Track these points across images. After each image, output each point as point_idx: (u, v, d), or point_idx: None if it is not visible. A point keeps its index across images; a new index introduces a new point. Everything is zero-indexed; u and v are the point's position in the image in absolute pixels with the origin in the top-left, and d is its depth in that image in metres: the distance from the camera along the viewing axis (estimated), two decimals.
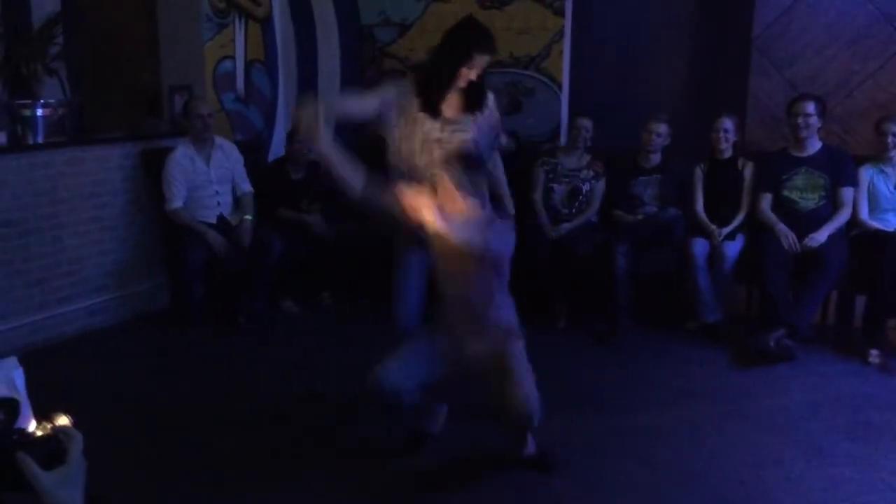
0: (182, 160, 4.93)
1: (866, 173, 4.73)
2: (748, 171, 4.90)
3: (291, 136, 5.37)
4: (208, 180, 5.01)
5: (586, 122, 5.16)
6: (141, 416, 3.72)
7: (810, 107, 4.68)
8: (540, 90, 5.72)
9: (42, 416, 1.29)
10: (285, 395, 4.02)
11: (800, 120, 4.68)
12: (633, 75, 5.52)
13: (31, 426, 1.27)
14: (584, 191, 5.18)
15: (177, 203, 4.91)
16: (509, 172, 4.11)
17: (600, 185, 5.19)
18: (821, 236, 4.56)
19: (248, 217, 5.02)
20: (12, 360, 1.39)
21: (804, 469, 3.26)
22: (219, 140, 5.11)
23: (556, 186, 5.20)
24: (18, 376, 1.37)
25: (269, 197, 5.32)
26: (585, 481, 3.19)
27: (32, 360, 4.41)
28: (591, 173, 5.20)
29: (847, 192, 4.67)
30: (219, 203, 5.06)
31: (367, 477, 3.21)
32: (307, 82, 6.34)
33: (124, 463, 3.17)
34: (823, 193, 4.70)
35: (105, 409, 3.71)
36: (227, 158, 5.11)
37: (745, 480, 3.18)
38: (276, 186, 5.35)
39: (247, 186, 5.16)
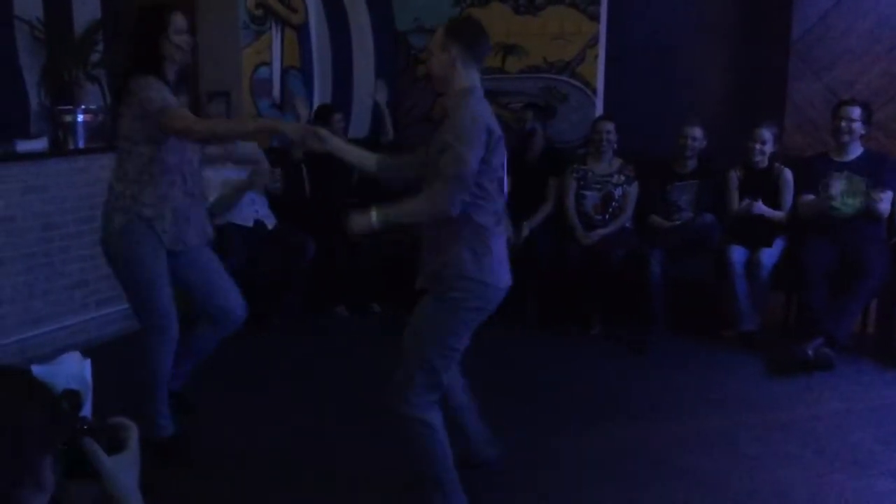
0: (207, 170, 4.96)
1: None
2: (785, 176, 4.83)
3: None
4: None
5: (608, 125, 5.13)
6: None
7: (855, 112, 4.60)
8: (574, 95, 5.71)
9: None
10: (316, 396, 4.04)
11: (843, 124, 4.61)
12: (670, 80, 5.48)
13: (91, 416, 1.38)
14: (616, 196, 5.15)
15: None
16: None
17: (633, 190, 5.16)
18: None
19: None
20: (76, 355, 1.47)
21: (842, 480, 3.20)
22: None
23: (587, 193, 5.18)
24: (87, 369, 1.46)
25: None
26: (619, 490, 3.16)
27: None
28: (623, 178, 5.16)
29: (886, 196, 4.58)
30: (254, 200, 5.11)
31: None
32: (342, 88, 6.39)
33: (156, 462, 3.20)
34: (864, 199, 4.62)
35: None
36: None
37: (780, 491, 3.13)
38: (316, 171, 5.46)
39: None
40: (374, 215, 2.67)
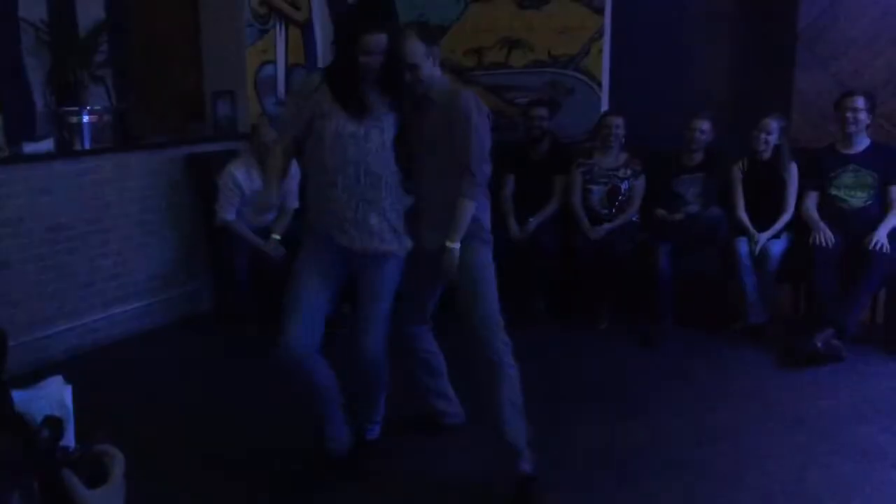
0: (236, 174, 4.88)
1: None
2: (791, 171, 4.78)
3: None
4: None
5: (617, 120, 5.12)
6: (187, 419, 3.77)
7: (860, 102, 4.58)
8: (579, 89, 5.69)
9: (82, 435, 1.30)
10: None
11: (848, 115, 4.58)
12: (675, 72, 5.46)
13: (74, 444, 1.27)
14: (623, 190, 5.14)
15: (228, 215, 4.88)
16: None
17: (640, 183, 5.14)
18: (881, 237, 4.42)
19: (276, 237, 4.91)
20: (58, 379, 1.38)
21: (852, 473, 3.19)
22: None
23: (594, 187, 5.17)
24: (67, 395, 1.37)
25: None
26: (625, 483, 3.16)
27: (81, 363, 4.49)
28: (630, 171, 5.15)
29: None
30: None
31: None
32: None
33: (168, 466, 3.22)
34: (872, 192, 4.60)
35: (152, 412, 3.77)
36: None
37: (789, 483, 3.12)
38: None
39: (293, 203, 5.01)
40: (450, 244, 2.97)
